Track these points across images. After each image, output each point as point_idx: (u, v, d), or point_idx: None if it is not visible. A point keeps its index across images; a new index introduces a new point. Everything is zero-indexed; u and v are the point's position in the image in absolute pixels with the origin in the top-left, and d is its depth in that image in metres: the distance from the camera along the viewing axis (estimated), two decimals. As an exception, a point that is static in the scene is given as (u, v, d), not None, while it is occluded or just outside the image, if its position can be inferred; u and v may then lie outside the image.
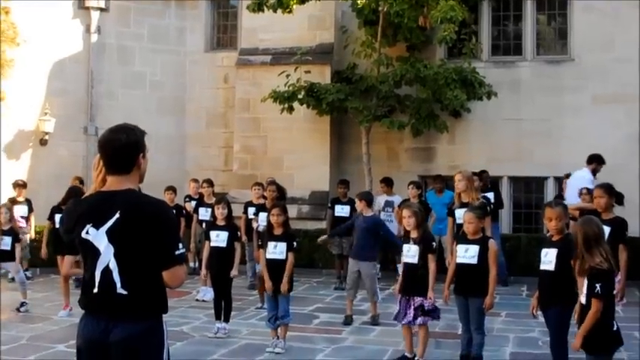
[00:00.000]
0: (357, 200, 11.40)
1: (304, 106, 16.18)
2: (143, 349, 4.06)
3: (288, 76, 15.77)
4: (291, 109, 16.08)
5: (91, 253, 4.14)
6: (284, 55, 17.33)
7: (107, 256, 4.09)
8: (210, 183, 14.64)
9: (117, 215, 4.10)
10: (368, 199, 11.36)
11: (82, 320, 4.17)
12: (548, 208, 7.16)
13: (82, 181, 14.98)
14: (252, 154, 17.64)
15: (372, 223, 11.06)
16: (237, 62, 18.08)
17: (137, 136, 4.33)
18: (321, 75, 16.87)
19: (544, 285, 7.01)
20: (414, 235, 8.29)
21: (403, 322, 8.33)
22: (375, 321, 10.82)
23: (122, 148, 4.24)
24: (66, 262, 11.27)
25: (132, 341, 4.02)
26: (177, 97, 19.06)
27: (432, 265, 8.22)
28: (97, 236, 4.11)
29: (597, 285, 5.74)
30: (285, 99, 15.94)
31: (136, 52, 18.83)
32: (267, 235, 9.35)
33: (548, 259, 6.92)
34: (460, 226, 9.74)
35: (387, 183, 15.02)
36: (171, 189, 15.13)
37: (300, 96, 15.98)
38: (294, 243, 9.27)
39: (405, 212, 8.40)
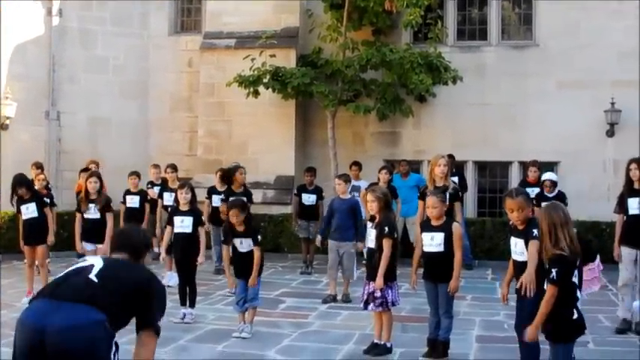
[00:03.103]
0: (338, 181, 11.66)
1: (269, 90, 16.06)
2: (87, 337, 3.95)
3: (253, 60, 15.61)
4: (256, 94, 15.98)
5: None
6: (249, 38, 17.18)
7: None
8: (174, 168, 14.40)
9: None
10: (350, 181, 11.86)
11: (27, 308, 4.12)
12: (509, 199, 6.84)
13: (40, 166, 14.67)
14: (217, 138, 17.51)
15: (351, 204, 11.41)
16: (201, 46, 17.91)
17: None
18: (287, 59, 16.76)
19: (519, 274, 6.91)
20: (377, 219, 8.24)
21: (362, 307, 8.37)
22: (347, 299, 11.11)
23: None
24: (40, 252, 11.21)
25: (75, 328, 3.92)
26: (140, 82, 18.84)
27: (385, 250, 8.00)
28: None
29: (553, 270, 5.61)
30: (250, 83, 15.83)
31: (99, 35, 18.55)
32: (231, 232, 9.24)
33: (519, 249, 6.82)
34: None
35: (360, 167, 14.97)
36: (136, 174, 14.76)
37: (265, 80, 15.88)
38: (259, 237, 9.20)
39: (369, 197, 8.33)
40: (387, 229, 8.05)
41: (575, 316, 5.76)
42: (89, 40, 18.46)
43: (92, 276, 4.17)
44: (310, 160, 17.29)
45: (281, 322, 9.84)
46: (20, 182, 11.42)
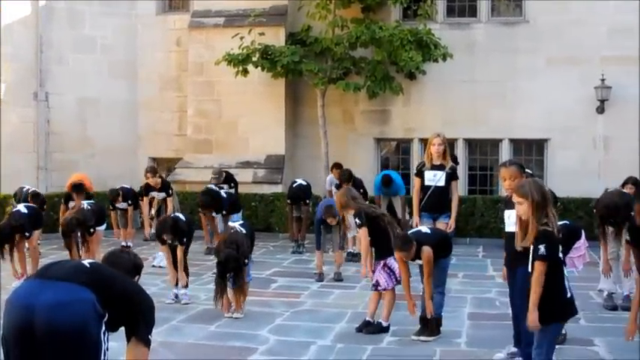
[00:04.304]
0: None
1: (259, 68, 16.01)
2: (77, 315, 3.81)
3: (242, 38, 15.56)
4: (245, 72, 15.92)
5: None
6: (237, 17, 17.09)
7: None
8: (154, 172, 14.02)
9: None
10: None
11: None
12: (503, 167, 7.09)
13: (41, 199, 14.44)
14: (207, 118, 17.45)
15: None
16: (189, 24, 17.78)
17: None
18: (276, 37, 16.68)
19: (511, 246, 6.89)
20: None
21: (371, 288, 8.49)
22: (338, 278, 11.21)
23: None
24: (35, 236, 11.25)
25: (65, 305, 3.79)
26: (128, 61, 18.71)
27: (362, 241, 8.26)
28: None
29: (541, 246, 5.41)
30: (239, 62, 15.77)
31: (86, 15, 18.38)
32: None
33: (512, 220, 6.80)
34: (428, 188, 9.76)
35: (339, 167, 14.47)
36: (117, 194, 14.19)
37: (254, 58, 15.82)
38: None
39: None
40: (357, 221, 8.21)
41: (569, 294, 5.59)
42: (77, 20, 18.30)
43: (85, 262, 4.14)
44: (300, 139, 17.28)
45: (273, 301, 9.83)
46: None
